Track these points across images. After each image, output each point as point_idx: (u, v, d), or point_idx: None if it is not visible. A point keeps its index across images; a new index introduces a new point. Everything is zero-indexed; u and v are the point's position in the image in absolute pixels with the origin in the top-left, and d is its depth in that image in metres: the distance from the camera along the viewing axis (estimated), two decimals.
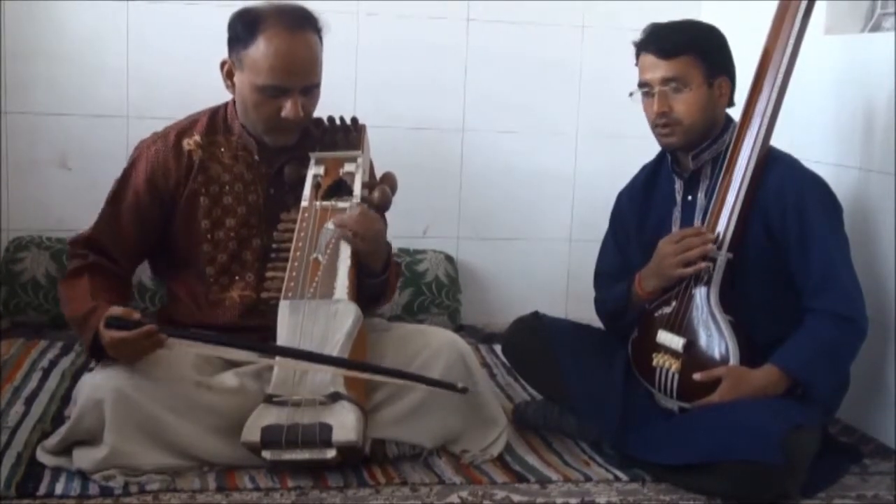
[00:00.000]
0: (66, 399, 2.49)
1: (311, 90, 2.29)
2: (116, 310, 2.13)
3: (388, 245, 2.40)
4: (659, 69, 2.37)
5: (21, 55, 3.19)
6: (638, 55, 2.44)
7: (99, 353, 2.19)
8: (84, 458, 2.12)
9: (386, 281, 2.38)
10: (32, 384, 2.66)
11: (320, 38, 2.30)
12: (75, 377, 2.66)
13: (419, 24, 3.41)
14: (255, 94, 2.25)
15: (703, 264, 2.33)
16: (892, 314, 2.54)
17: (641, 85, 2.43)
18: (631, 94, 2.46)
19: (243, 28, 2.25)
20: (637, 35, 2.44)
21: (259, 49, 2.22)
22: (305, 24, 2.26)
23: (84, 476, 2.11)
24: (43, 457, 2.18)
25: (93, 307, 2.19)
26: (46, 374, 2.74)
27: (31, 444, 2.25)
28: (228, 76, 2.32)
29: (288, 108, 2.25)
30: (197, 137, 2.36)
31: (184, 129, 2.39)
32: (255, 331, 2.27)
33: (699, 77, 2.37)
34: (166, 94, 3.18)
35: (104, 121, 3.26)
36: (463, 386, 2.22)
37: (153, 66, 3.26)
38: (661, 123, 2.40)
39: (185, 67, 3.21)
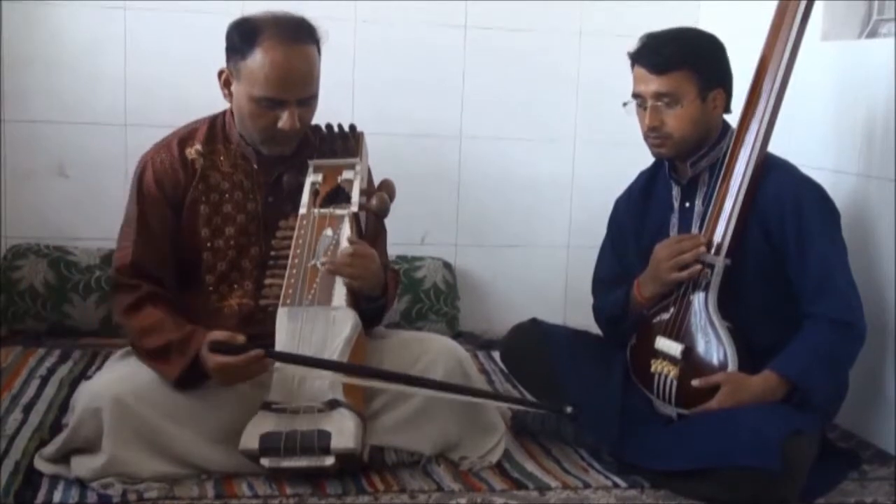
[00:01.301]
0: (65, 407, 2.49)
1: (307, 101, 2.29)
2: (220, 334, 2.15)
3: (386, 266, 2.39)
4: (651, 83, 2.37)
5: (19, 63, 3.18)
6: (632, 66, 2.43)
7: (187, 382, 2.18)
8: (82, 466, 2.12)
9: (384, 306, 2.39)
10: (30, 392, 2.65)
11: (318, 48, 2.30)
12: (73, 385, 2.66)
13: (417, 30, 3.41)
14: (252, 105, 2.25)
15: (697, 267, 2.33)
16: (891, 320, 2.54)
17: (635, 96, 2.43)
18: (625, 105, 2.46)
19: (241, 39, 2.25)
20: (633, 43, 2.43)
21: (256, 61, 2.22)
22: (303, 36, 2.26)
23: (82, 484, 2.11)
24: (41, 465, 2.18)
25: (190, 332, 2.19)
26: (44, 382, 2.74)
27: (29, 453, 2.24)
28: (226, 85, 2.32)
29: (284, 120, 2.25)
30: (198, 146, 2.36)
31: (184, 137, 2.39)
32: (254, 338, 2.26)
33: (693, 92, 2.36)
34: (164, 102, 3.18)
35: (102, 129, 3.26)
36: (572, 410, 2.17)
37: (151, 75, 3.25)
38: (653, 136, 2.40)
39: (182, 76, 3.21)
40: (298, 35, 2.25)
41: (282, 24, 2.25)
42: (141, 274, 2.30)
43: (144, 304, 2.27)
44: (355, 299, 2.26)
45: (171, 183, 2.34)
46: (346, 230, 2.28)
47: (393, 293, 2.46)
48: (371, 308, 2.34)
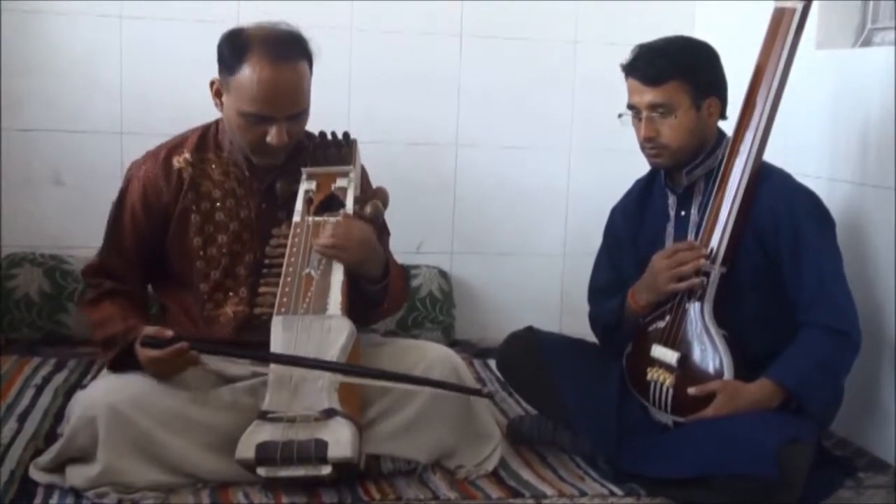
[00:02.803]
0: (60, 416, 2.48)
1: (297, 117, 2.28)
2: (150, 329, 2.20)
3: (386, 250, 2.39)
4: (646, 95, 2.37)
5: (15, 72, 3.19)
6: (626, 77, 2.44)
7: (119, 367, 2.24)
8: (77, 475, 2.12)
9: (386, 286, 2.36)
10: (25, 401, 2.65)
11: (310, 62, 2.29)
12: (68, 394, 2.65)
13: (412, 39, 3.42)
14: (240, 119, 2.25)
15: (696, 279, 2.33)
16: (886, 328, 2.55)
17: (630, 107, 2.43)
18: (620, 116, 2.47)
19: (230, 52, 2.24)
20: (627, 53, 2.43)
21: (244, 76, 2.21)
22: (292, 52, 2.24)
23: (77, 493, 2.10)
24: (36, 474, 2.18)
25: (130, 326, 2.25)
26: (39, 391, 2.73)
27: (24, 462, 2.24)
28: (217, 95, 2.31)
29: (272, 135, 2.24)
30: (187, 155, 2.36)
31: (174, 147, 2.39)
32: (250, 346, 2.26)
33: (687, 102, 2.37)
34: (160, 110, 3.19)
35: (98, 137, 3.26)
36: (488, 391, 2.20)
37: (147, 83, 3.26)
38: (650, 147, 2.41)
39: (178, 84, 3.21)
40: (288, 52, 2.24)
41: (271, 41, 2.23)
42: (105, 274, 2.38)
43: (102, 299, 2.35)
44: (354, 286, 2.25)
45: (154, 192, 2.35)
46: (350, 200, 2.30)
47: (399, 283, 2.45)
48: (372, 291, 2.33)
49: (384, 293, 2.37)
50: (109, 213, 2.41)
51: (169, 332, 2.18)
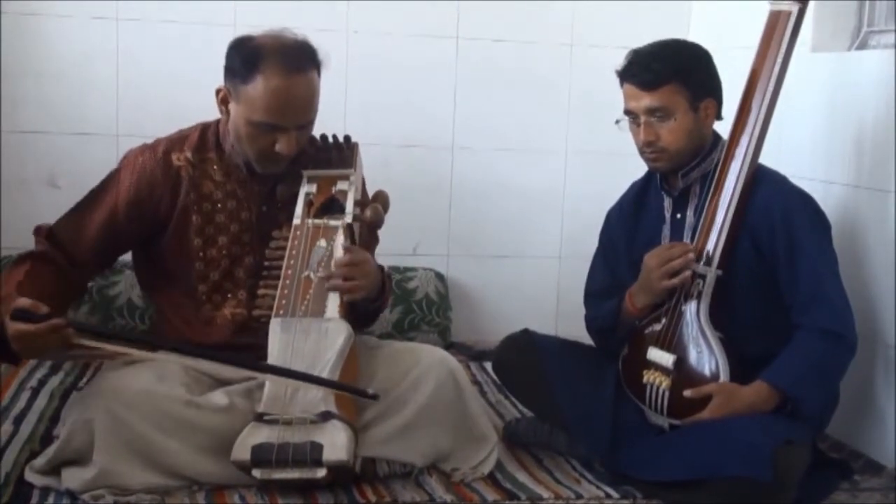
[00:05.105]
0: (55, 419, 2.48)
1: (306, 126, 2.29)
2: (23, 301, 2.03)
3: (381, 270, 2.39)
4: (643, 99, 2.37)
5: (11, 74, 3.18)
6: (621, 83, 2.44)
7: (4, 349, 2.10)
8: (73, 477, 2.11)
9: (381, 303, 2.39)
10: (21, 403, 2.64)
11: (319, 72, 2.29)
12: (64, 397, 2.66)
13: (408, 42, 3.42)
14: (249, 128, 2.25)
15: (688, 273, 2.33)
16: (881, 330, 2.55)
17: (627, 112, 2.44)
18: (618, 122, 2.46)
19: (242, 63, 2.23)
20: (622, 58, 2.43)
21: (257, 88, 2.20)
22: (305, 63, 2.24)
23: (73, 496, 2.10)
24: (31, 477, 2.17)
25: (6, 296, 2.11)
26: (35, 393, 2.73)
27: (20, 464, 2.23)
28: (223, 103, 2.30)
29: (282, 144, 2.24)
30: (188, 153, 2.36)
31: (173, 143, 2.38)
32: (247, 349, 2.26)
33: (684, 104, 2.37)
34: (156, 112, 3.17)
35: (94, 139, 3.26)
36: (374, 392, 2.15)
37: (143, 85, 3.25)
38: (649, 151, 2.41)
39: (174, 86, 3.21)
40: (301, 63, 2.23)
41: (284, 51, 2.22)
42: (51, 240, 2.30)
43: (26, 260, 2.26)
44: (352, 306, 2.26)
45: (148, 185, 2.33)
46: (340, 241, 2.28)
47: (389, 293, 2.46)
48: (369, 308, 2.35)
49: (378, 310, 2.39)
50: (90, 191, 2.36)
51: (44, 308, 2.02)
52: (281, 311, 2.21)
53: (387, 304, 2.47)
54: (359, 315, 2.30)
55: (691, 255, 2.34)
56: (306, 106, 2.26)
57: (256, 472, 2.09)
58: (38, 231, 2.34)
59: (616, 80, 2.45)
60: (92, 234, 2.33)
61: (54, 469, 2.15)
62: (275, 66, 2.20)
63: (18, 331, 2.02)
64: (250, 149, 2.28)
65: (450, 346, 3.33)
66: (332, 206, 2.34)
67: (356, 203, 2.34)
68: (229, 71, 2.27)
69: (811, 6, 2.44)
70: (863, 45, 2.82)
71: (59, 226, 2.34)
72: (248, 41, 2.26)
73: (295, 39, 2.28)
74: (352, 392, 2.17)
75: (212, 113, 2.38)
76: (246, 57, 2.23)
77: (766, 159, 2.42)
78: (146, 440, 2.13)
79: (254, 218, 2.37)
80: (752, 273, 2.37)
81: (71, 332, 2.05)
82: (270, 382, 2.16)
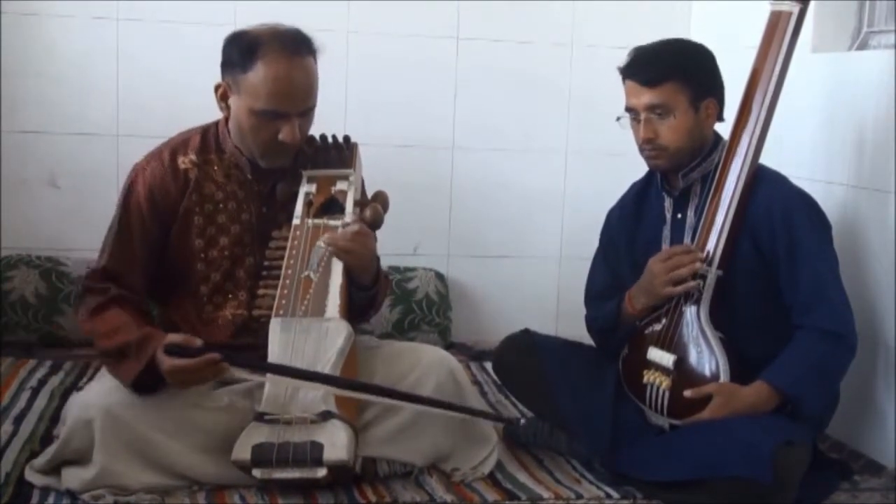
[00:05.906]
0: (55, 418, 2.48)
1: (307, 112, 2.29)
2: (176, 337, 2.12)
3: (378, 259, 2.40)
4: (644, 96, 2.38)
5: (11, 74, 3.18)
6: (623, 80, 2.44)
7: (143, 385, 2.15)
8: (73, 477, 2.11)
9: (375, 294, 2.38)
10: (21, 403, 2.64)
11: (316, 60, 2.30)
12: (64, 396, 2.66)
13: (408, 42, 3.42)
14: (253, 119, 2.25)
15: (692, 283, 2.33)
16: (882, 330, 2.55)
17: (628, 109, 2.44)
18: (618, 119, 2.47)
19: (240, 53, 2.24)
20: (623, 56, 2.43)
21: (258, 74, 2.21)
22: (303, 49, 2.25)
23: (73, 496, 2.10)
24: (32, 476, 2.17)
25: (147, 334, 2.16)
26: (35, 393, 2.73)
27: (20, 464, 2.24)
28: (223, 99, 2.31)
29: (285, 132, 2.24)
30: (192, 156, 2.36)
31: (177, 146, 2.38)
32: (248, 349, 2.26)
33: (685, 102, 2.37)
34: (156, 113, 3.18)
35: (94, 139, 3.26)
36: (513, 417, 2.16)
37: (143, 86, 3.26)
38: (649, 148, 2.41)
39: (174, 87, 3.21)
40: (298, 48, 2.25)
41: (281, 37, 2.24)
42: (111, 278, 2.29)
43: (110, 306, 2.25)
44: (348, 291, 2.26)
45: (162, 192, 2.33)
46: (350, 204, 2.29)
47: (383, 291, 2.45)
48: (361, 297, 2.33)
49: (372, 300, 2.38)
50: (114, 217, 2.35)
51: (198, 341, 2.11)
52: (281, 311, 2.21)
53: (380, 301, 2.46)
54: (353, 306, 2.30)
55: (699, 265, 2.34)
56: (307, 90, 2.26)
57: (257, 472, 2.08)
58: (94, 276, 2.30)
59: (616, 80, 2.46)
60: (139, 255, 2.32)
61: (54, 469, 2.16)
62: (274, 52, 2.21)
63: (175, 367, 2.08)
64: (254, 141, 2.28)
65: (450, 346, 3.34)
66: (331, 206, 2.34)
67: (356, 203, 2.34)
68: (227, 64, 2.27)
69: (811, 6, 2.44)
70: (863, 46, 2.82)
71: (110, 263, 2.30)
72: (244, 34, 2.27)
73: (290, 27, 2.29)
74: (482, 416, 2.26)
75: (212, 113, 2.38)
76: (244, 47, 2.24)
77: (766, 159, 2.42)
78: (146, 440, 2.13)
79: (254, 219, 2.37)
80: (753, 273, 2.37)
81: (225, 365, 2.10)
82: (271, 382, 2.16)
